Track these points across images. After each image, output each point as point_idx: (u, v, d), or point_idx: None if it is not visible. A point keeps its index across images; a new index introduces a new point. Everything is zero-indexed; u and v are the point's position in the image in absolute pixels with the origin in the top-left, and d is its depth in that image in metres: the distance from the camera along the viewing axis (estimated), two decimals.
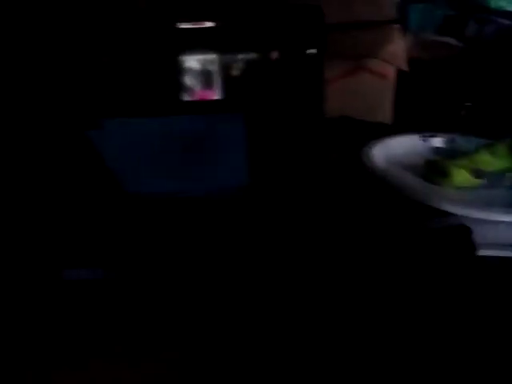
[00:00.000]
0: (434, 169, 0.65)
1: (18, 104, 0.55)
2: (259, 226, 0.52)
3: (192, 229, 0.51)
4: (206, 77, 0.58)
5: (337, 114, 0.78)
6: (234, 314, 0.41)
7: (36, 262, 0.45)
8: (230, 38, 0.58)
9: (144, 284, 0.44)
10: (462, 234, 0.51)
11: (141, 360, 0.37)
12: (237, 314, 0.41)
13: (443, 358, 0.39)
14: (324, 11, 0.58)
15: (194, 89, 0.57)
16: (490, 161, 0.65)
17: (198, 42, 0.57)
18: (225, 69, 0.58)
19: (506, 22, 1.00)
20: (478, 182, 0.63)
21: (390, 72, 0.86)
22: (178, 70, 0.56)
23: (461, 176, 0.63)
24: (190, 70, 0.56)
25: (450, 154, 0.69)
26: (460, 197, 0.60)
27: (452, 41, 1.01)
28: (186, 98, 0.58)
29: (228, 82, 0.58)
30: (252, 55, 0.58)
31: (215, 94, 0.58)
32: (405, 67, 0.88)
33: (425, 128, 0.77)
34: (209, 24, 0.56)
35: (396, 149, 0.71)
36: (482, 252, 0.50)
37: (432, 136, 0.75)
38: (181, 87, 0.57)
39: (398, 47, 0.87)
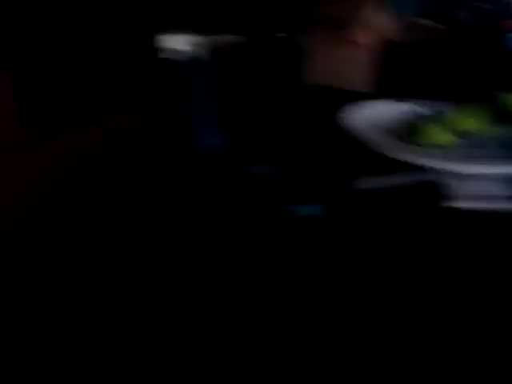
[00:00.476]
0: (410, 129, 0.65)
1: None
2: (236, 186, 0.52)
3: None
4: None
5: (317, 83, 0.78)
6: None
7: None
8: None
9: None
10: (428, 187, 0.52)
11: None
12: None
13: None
14: None
15: None
16: (465, 120, 0.66)
17: None
18: None
19: (486, 5, 1.01)
20: (454, 139, 0.64)
21: (370, 41, 0.86)
22: None
23: (437, 134, 0.63)
24: None
25: (426, 116, 0.69)
26: (437, 153, 0.61)
27: (432, 24, 1.01)
28: None
29: None
30: None
31: None
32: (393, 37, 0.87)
33: (404, 96, 0.77)
34: None
35: (372, 112, 0.72)
36: (459, 204, 0.51)
37: (408, 100, 0.75)
38: None
39: (378, 17, 0.86)
